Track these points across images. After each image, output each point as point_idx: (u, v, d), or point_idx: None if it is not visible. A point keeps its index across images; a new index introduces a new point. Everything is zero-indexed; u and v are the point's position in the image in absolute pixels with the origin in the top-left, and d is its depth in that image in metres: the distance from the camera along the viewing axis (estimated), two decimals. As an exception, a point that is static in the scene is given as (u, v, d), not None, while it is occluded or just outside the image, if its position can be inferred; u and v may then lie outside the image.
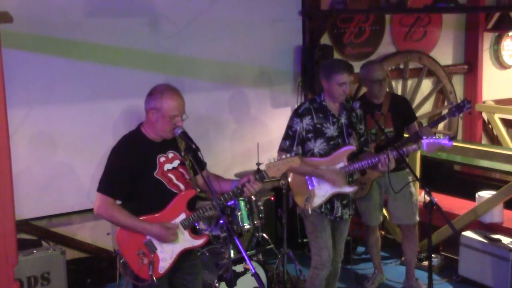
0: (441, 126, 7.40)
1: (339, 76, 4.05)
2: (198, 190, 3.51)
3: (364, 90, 5.13)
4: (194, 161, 3.35)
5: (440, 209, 3.73)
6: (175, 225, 3.37)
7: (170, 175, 3.39)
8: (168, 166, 3.40)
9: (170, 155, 3.43)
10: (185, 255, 3.47)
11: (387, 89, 5.12)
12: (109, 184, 3.32)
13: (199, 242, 3.48)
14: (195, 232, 3.48)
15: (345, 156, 4.14)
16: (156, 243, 3.36)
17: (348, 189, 4.18)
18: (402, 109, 4.93)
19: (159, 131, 3.36)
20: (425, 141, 4.11)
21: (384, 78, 4.82)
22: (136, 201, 3.35)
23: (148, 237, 3.35)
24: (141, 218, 3.33)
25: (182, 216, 3.40)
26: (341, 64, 4.15)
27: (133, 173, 3.30)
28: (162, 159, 3.39)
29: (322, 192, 4.15)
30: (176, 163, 3.43)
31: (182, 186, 3.42)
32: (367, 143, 4.37)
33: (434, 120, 4.85)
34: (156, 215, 3.35)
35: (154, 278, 3.32)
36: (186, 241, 3.43)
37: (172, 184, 3.39)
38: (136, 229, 3.33)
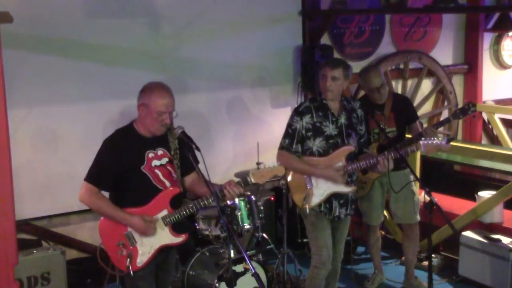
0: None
1: (322, 69, 4.18)
2: (182, 189, 3.56)
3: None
4: (193, 159, 3.38)
5: (440, 209, 3.73)
6: (154, 219, 3.43)
7: (157, 171, 3.45)
8: (156, 162, 3.46)
9: (160, 152, 3.49)
10: (164, 251, 3.52)
11: (388, 88, 5.11)
12: (95, 174, 3.42)
13: (178, 240, 3.52)
14: (176, 229, 3.51)
15: (343, 156, 4.14)
16: (136, 236, 3.43)
17: (346, 189, 4.18)
18: (404, 109, 4.94)
19: (148, 127, 3.43)
20: (422, 142, 4.15)
21: (382, 84, 4.81)
22: (121, 193, 3.43)
23: (129, 229, 3.42)
24: (124, 209, 3.40)
25: (164, 212, 3.45)
26: (330, 59, 4.24)
27: (120, 165, 3.38)
28: (151, 155, 3.45)
29: (320, 191, 4.16)
30: (164, 160, 3.49)
31: (168, 183, 3.48)
32: (367, 145, 4.37)
33: (439, 121, 4.88)
34: (139, 208, 3.42)
35: (131, 270, 3.38)
36: (165, 237, 3.47)
37: (158, 180, 3.45)
38: (116, 219, 3.40)
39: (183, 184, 3.57)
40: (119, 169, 3.38)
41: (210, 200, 3.42)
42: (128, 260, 3.39)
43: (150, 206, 3.44)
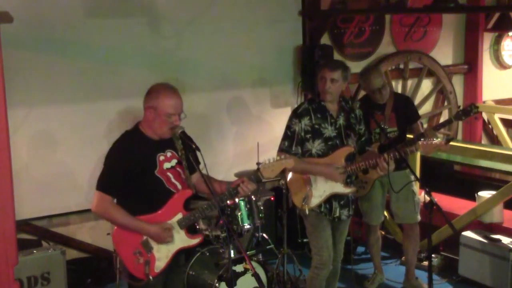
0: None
1: (321, 71, 4.16)
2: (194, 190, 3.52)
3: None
4: (194, 159, 3.36)
5: (440, 209, 3.73)
6: (172, 226, 3.37)
7: (168, 174, 3.39)
8: (167, 165, 3.40)
9: (169, 154, 3.44)
10: (178, 254, 3.47)
11: (389, 88, 5.12)
12: (108, 182, 3.32)
13: (194, 241, 3.48)
14: (191, 231, 3.48)
15: (343, 156, 4.14)
16: (152, 242, 3.37)
17: (346, 190, 4.18)
18: (405, 109, 4.95)
19: (157, 130, 3.36)
20: (421, 142, 4.16)
21: (383, 85, 4.81)
22: (134, 199, 3.34)
23: (145, 237, 3.35)
24: (139, 217, 3.33)
25: (179, 215, 3.40)
26: (329, 61, 4.24)
27: (133, 171, 3.29)
28: (162, 157, 3.39)
29: (319, 192, 4.15)
30: (174, 162, 3.44)
31: (179, 185, 3.43)
32: (369, 143, 4.37)
33: (441, 123, 4.89)
34: (154, 214, 3.36)
35: (150, 277, 3.33)
36: (182, 240, 3.43)
37: (170, 183, 3.40)
38: (134, 229, 3.33)
39: (191, 183, 3.49)
40: (131, 175, 3.29)
41: (223, 197, 3.38)
42: (147, 267, 3.32)
43: (164, 211, 3.37)
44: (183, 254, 3.62)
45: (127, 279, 3.41)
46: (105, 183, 3.32)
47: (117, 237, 3.38)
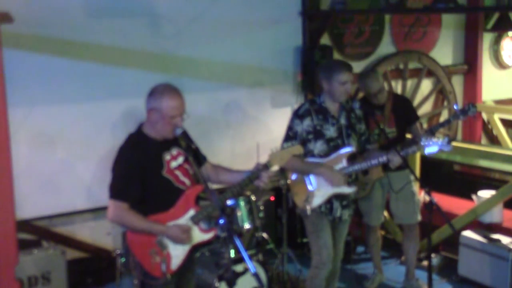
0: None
1: (341, 75, 4.07)
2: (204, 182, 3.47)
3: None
4: (195, 160, 3.37)
5: (440, 209, 3.74)
6: (189, 227, 3.38)
7: (176, 172, 3.40)
8: (174, 164, 3.40)
9: (174, 151, 3.44)
10: (192, 250, 3.48)
11: (387, 89, 5.13)
12: (120, 189, 3.30)
13: (208, 236, 3.49)
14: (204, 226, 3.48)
15: (344, 157, 4.15)
16: (167, 240, 3.36)
17: (347, 190, 4.18)
18: (404, 110, 4.96)
19: (160, 131, 3.36)
20: (425, 144, 4.17)
21: (380, 89, 4.82)
22: (145, 201, 3.33)
23: (159, 236, 3.35)
24: (152, 217, 3.33)
25: (191, 212, 3.41)
26: (341, 64, 4.22)
27: (143, 174, 3.29)
28: (168, 157, 3.39)
29: (321, 192, 4.15)
30: (180, 159, 3.44)
31: (187, 182, 3.43)
32: (369, 142, 4.37)
33: (438, 123, 4.90)
34: (166, 213, 3.36)
35: (168, 275, 3.33)
36: (196, 236, 3.44)
37: (179, 182, 3.40)
38: (153, 232, 3.33)
39: (202, 176, 3.44)
40: (141, 178, 3.28)
41: (242, 183, 3.41)
42: (163, 265, 3.32)
43: (176, 209, 3.38)
44: (197, 250, 3.63)
45: (143, 277, 3.39)
46: (117, 191, 3.30)
47: (131, 238, 3.38)
